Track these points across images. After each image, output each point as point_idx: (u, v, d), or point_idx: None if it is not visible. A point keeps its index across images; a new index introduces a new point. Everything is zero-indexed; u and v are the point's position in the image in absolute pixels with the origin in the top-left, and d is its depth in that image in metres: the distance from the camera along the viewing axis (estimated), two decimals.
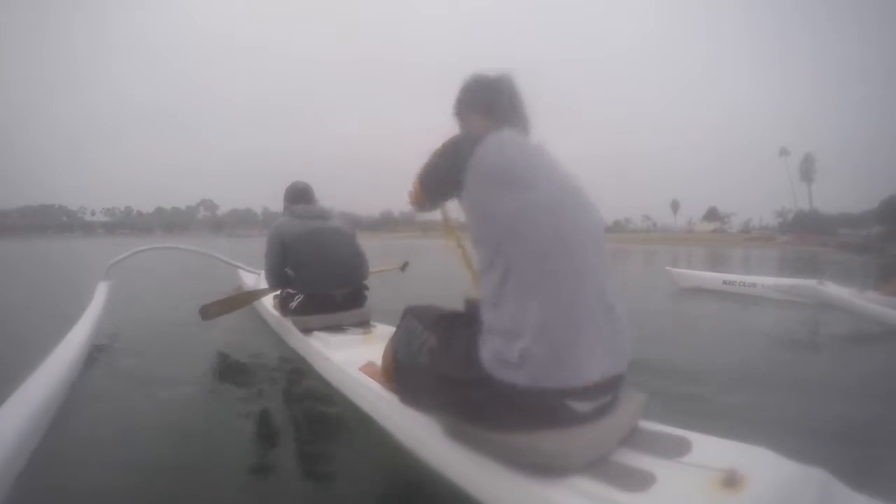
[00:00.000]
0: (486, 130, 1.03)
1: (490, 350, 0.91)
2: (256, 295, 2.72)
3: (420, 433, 1.16)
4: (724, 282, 5.20)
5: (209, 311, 2.28)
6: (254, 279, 3.86)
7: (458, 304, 1.16)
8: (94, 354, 2.19)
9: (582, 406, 0.89)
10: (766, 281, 4.95)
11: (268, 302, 2.82)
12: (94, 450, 1.34)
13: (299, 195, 2.43)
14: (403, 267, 3.58)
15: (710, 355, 2.54)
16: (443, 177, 1.05)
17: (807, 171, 61.11)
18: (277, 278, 2.33)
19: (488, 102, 1.13)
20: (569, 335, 0.88)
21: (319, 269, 2.20)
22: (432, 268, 8.38)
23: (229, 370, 2.10)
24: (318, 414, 1.57)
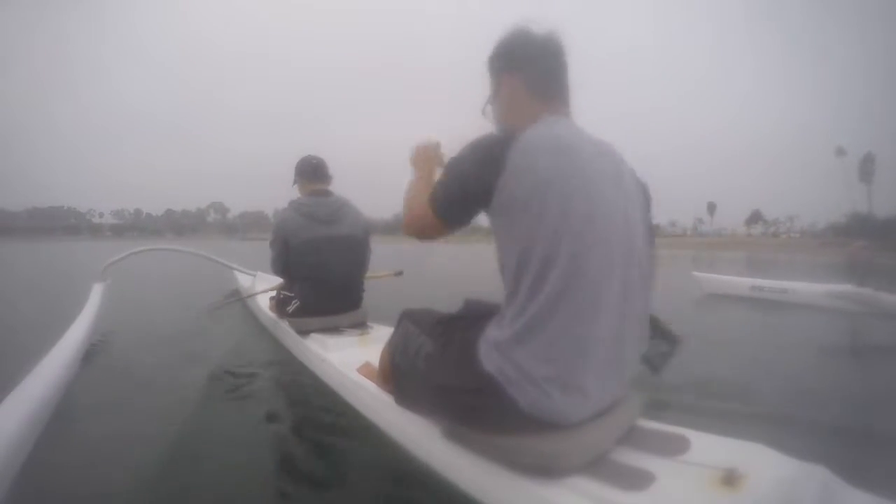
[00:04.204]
0: (517, 98, 0.98)
1: (495, 363, 0.87)
2: (252, 294, 2.75)
3: (417, 434, 1.15)
4: (752, 287, 5.04)
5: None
6: (249, 280, 3.85)
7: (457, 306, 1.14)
8: (90, 356, 2.18)
9: (581, 413, 0.89)
10: (797, 286, 4.78)
11: (264, 304, 2.81)
12: (90, 452, 1.33)
13: (313, 172, 2.30)
14: (398, 273, 3.60)
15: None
16: (472, 188, 0.90)
17: (866, 171, 57.51)
18: (283, 269, 2.27)
19: (529, 64, 0.97)
20: (584, 373, 0.85)
21: (318, 283, 2.15)
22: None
23: (225, 372, 2.09)
24: (314, 415, 1.55)
